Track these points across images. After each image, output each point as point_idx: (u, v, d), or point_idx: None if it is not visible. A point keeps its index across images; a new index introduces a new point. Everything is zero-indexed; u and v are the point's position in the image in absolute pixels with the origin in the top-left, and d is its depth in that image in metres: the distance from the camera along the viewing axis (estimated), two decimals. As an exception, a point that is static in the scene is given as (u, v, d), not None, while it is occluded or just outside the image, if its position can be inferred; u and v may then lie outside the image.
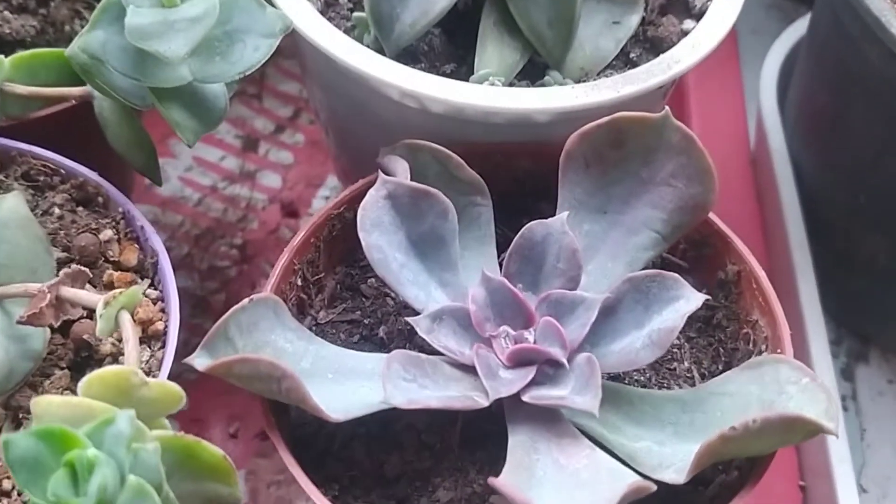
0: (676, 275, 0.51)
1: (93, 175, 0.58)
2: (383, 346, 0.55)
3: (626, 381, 0.54)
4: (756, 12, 0.90)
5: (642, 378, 0.55)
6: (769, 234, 0.77)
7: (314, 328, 0.56)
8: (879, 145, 0.67)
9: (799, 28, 0.80)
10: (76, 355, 0.53)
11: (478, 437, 0.51)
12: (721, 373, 0.55)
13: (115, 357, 0.52)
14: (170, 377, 0.48)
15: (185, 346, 0.50)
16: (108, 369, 0.44)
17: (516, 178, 0.60)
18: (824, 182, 0.74)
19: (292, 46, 0.63)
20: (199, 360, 0.49)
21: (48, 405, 0.42)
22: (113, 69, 0.53)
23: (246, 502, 0.67)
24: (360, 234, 0.53)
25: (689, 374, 0.56)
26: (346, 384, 0.51)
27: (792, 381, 0.49)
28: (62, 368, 0.52)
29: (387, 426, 0.51)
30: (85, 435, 0.39)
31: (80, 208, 0.57)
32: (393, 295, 0.57)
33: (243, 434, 0.69)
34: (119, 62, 0.53)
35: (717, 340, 0.57)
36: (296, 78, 0.86)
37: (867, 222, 0.70)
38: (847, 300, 0.75)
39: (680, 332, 0.50)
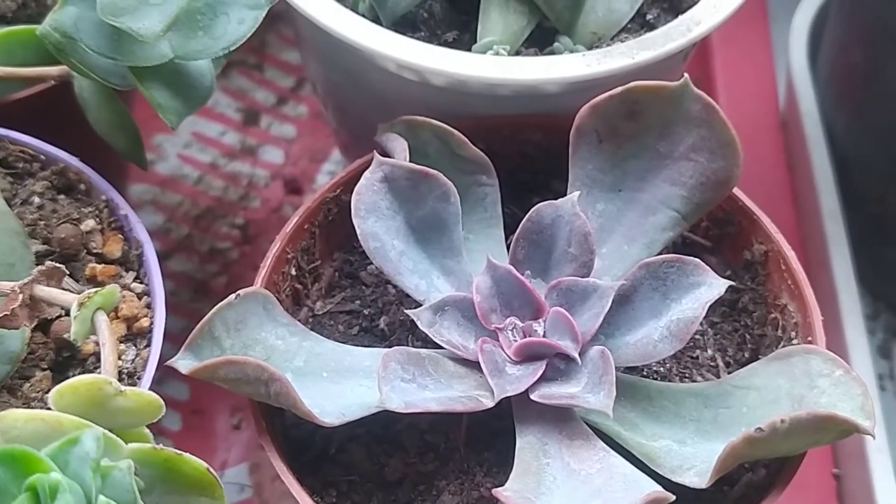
0: (697, 259, 0.47)
1: (74, 161, 0.55)
2: (384, 339, 0.52)
3: (645, 372, 0.51)
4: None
5: (662, 369, 0.51)
6: (800, 202, 0.73)
7: (311, 320, 0.53)
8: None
9: (831, -20, 0.76)
10: (58, 355, 0.50)
11: (486, 436, 0.48)
12: (748, 361, 0.51)
13: (99, 357, 0.49)
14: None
15: (185, 333, 0.47)
16: (81, 379, 0.41)
17: (526, 153, 0.57)
18: (859, 145, 0.70)
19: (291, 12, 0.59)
20: (183, 362, 0.46)
21: (14, 420, 0.39)
22: (88, 48, 0.50)
23: (251, 496, 0.64)
24: (355, 221, 0.49)
25: (712, 363, 0.52)
26: (343, 383, 0.48)
27: (824, 374, 0.46)
28: (43, 370, 0.49)
29: (388, 426, 0.48)
30: (48, 456, 0.36)
31: (62, 196, 0.54)
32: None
33: (247, 425, 0.66)
34: (93, 41, 0.50)
35: (744, 326, 0.53)
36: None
37: (906, 189, 0.67)
38: (884, 272, 0.72)
39: (703, 318, 0.46)
